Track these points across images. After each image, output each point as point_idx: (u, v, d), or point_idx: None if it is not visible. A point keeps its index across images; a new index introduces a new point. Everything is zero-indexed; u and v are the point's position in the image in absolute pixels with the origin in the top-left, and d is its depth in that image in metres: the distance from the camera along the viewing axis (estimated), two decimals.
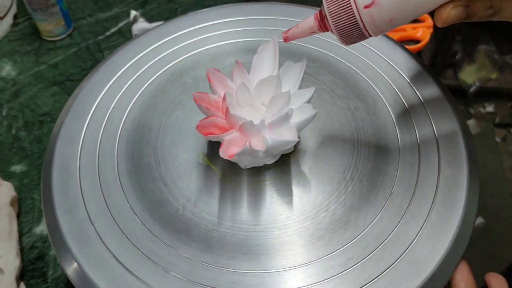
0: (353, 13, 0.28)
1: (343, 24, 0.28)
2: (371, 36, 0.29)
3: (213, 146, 0.35)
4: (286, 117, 0.31)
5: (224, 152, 0.30)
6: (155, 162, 0.35)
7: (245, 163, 0.33)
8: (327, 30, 0.30)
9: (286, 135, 0.31)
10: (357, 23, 0.28)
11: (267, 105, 0.33)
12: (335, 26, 0.29)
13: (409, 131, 0.36)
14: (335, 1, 0.28)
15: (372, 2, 0.27)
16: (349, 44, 0.30)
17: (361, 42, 0.30)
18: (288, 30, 0.32)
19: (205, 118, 0.31)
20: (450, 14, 0.27)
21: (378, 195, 0.32)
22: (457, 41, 1.17)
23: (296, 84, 0.34)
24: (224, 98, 0.32)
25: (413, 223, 0.31)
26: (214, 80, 0.34)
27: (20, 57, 0.59)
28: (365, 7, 0.27)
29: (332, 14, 0.28)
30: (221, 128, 0.32)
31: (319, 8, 0.30)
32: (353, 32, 0.29)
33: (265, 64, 0.34)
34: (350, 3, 0.28)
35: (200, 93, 0.33)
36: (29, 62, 0.59)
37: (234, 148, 0.31)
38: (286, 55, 0.39)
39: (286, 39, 0.32)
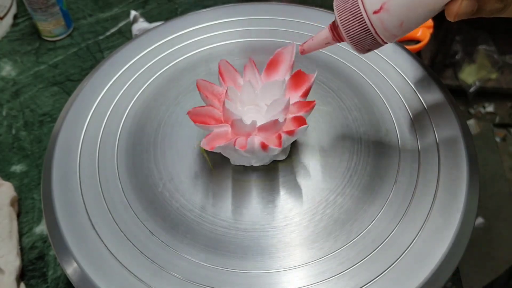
0: (364, 20, 0.28)
1: (355, 32, 0.29)
2: (385, 42, 0.29)
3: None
4: (275, 124, 0.30)
5: (207, 143, 0.30)
6: (155, 162, 0.35)
7: (233, 159, 0.34)
8: (342, 41, 0.30)
9: (270, 142, 0.31)
10: (369, 29, 0.28)
11: (267, 109, 0.33)
12: (348, 34, 0.29)
13: (409, 131, 0.36)
14: (345, 10, 0.28)
15: (381, 8, 0.27)
16: (364, 53, 0.30)
17: None
18: (304, 42, 0.32)
19: (200, 106, 0.31)
20: (462, 6, 0.27)
21: (378, 195, 0.32)
22: (457, 41, 1.17)
23: (287, 71, 0.34)
24: (226, 91, 0.32)
25: (413, 223, 0.31)
26: (225, 72, 0.34)
27: (20, 57, 0.59)
28: (374, 12, 0.27)
29: (343, 22, 0.29)
30: (216, 120, 0.32)
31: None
32: (366, 39, 0.29)
33: (280, 67, 0.34)
34: (360, 10, 0.28)
35: (204, 81, 0.33)
36: (29, 62, 0.58)
37: (220, 141, 0.31)
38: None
39: (302, 52, 0.32)
